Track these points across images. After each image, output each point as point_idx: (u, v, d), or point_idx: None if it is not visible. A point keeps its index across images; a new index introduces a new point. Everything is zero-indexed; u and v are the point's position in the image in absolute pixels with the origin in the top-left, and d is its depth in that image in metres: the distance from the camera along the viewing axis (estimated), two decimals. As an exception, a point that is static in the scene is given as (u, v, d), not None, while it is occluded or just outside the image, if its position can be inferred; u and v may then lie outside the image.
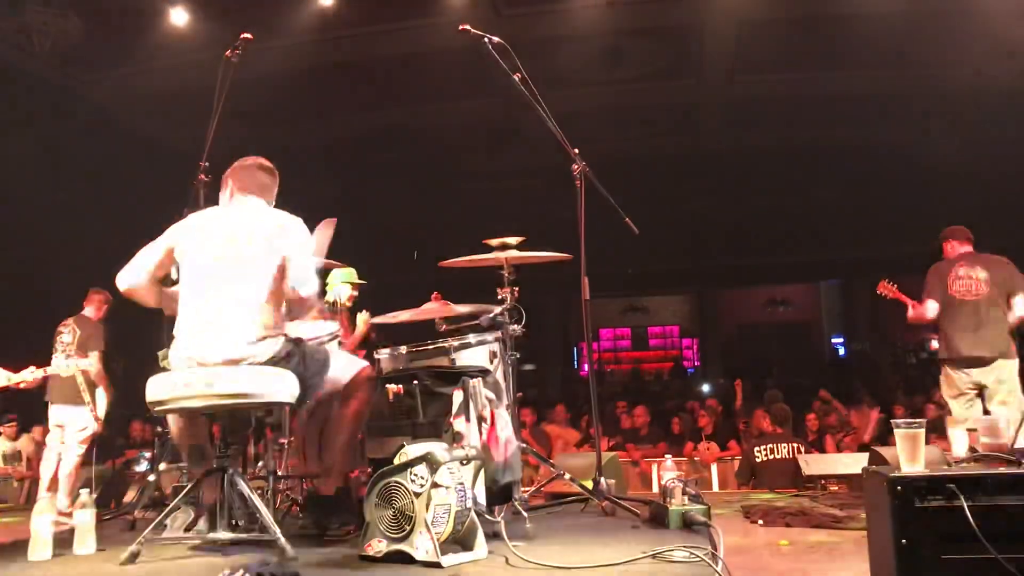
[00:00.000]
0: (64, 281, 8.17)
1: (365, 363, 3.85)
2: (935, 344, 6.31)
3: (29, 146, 9.07)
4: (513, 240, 4.57)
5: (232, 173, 3.66)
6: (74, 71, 9.34)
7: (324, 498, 3.77)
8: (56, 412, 6.62)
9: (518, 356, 4.39)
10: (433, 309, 4.43)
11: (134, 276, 3.53)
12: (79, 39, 8.33)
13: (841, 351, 19.81)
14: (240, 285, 3.37)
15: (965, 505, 2.42)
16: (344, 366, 3.71)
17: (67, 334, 6.67)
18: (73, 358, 6.49)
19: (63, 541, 3.48)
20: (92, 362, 6.54)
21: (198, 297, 3.39)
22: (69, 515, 5.21)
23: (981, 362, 5.85)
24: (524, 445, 4.55)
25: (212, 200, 3.85)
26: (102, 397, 6.61)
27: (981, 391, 5.89)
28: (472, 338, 4.03)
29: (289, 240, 3.46)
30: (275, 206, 3.71)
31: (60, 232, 9.77)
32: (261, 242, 3.42)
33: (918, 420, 2.71)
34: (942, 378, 6.11)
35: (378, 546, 3.07)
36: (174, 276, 3.57)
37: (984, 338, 5.86)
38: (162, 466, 4.86)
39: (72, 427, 6.56)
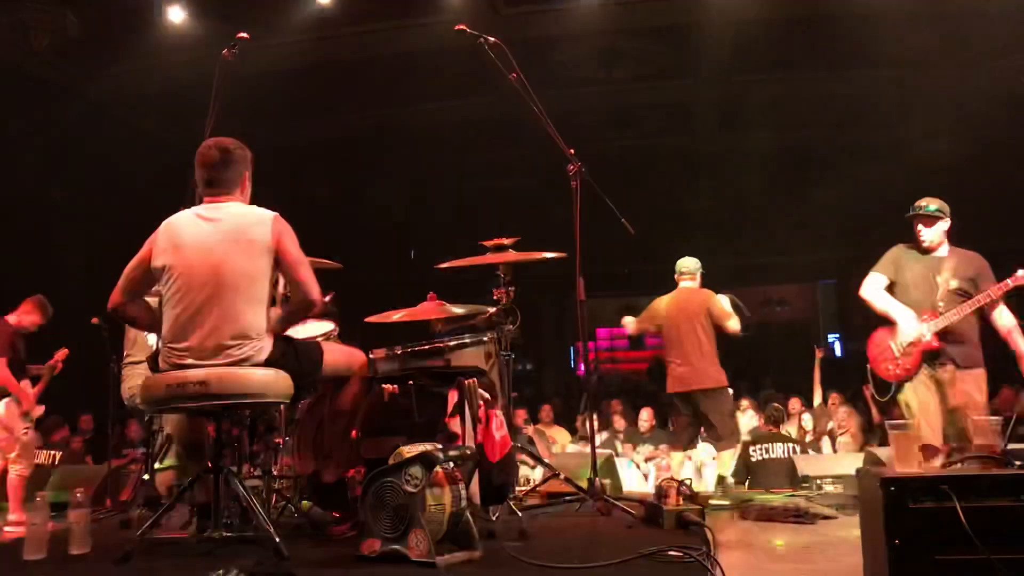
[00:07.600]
0: (62, 278, 8.16)
1: (358, 351, 3.86)
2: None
3: (26, 143, 9.06)
4: (508, 241, 4.57)
5: (196, 168, 3.52)
6: (71, 68, 9.33)
7: (325, 486, 3.79)
8: None
9: (513, 356, 4.39)
10: (429, 309, 4.43)
11: (117, 295, 3.47)
12: (76, 36, 8.31)
13: (838, 350, 19.80)
14: (229, 287, 3.30)
15: (958, 506, 2.43)
16: (339, 354, 3.74)
17: None
18: None
19: (59, 540, 3.48)
20: None
21: (187, 300, 3.31)
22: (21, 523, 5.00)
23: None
24: (519, 445, 4.55)
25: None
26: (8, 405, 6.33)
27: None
28: (467, 338, 4.02)
29: (283, 243, 3.38)
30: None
31: (56, 229, 9.77)
32: (244, 243, 3.34)
33: (912, 421, 2.71)
34: None
35: (373, 546, 3.07)
36: (158, 288, 3.46)
37: None
38: (156, 465, 4.85)
39: None
